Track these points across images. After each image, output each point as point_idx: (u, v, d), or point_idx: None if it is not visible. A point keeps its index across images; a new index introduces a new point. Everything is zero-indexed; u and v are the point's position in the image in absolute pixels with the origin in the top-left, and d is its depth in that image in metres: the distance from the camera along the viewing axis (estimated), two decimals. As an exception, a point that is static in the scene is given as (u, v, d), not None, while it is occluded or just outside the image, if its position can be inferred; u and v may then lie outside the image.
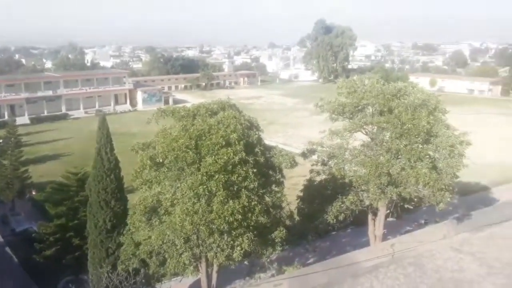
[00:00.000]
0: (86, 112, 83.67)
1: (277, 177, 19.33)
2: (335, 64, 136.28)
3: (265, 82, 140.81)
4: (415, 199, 20.21)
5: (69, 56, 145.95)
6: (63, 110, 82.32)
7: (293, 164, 18.46)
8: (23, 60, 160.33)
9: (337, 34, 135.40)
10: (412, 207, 23.68)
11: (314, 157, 23.13)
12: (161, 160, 16.75)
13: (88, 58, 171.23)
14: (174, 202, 16.38)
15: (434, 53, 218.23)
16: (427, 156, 18.50)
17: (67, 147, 56.75)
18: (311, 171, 23.77)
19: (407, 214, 25.55)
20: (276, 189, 18.77)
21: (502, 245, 14.98)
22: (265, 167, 18.43)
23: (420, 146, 18.55)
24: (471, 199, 36.09)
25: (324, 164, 22.70)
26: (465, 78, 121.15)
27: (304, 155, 22.99)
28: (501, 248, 14.62)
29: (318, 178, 23.82)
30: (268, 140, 21.85)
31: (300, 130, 66.55)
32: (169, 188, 16.87)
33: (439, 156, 18.81)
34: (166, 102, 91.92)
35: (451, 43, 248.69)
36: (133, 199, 21.76)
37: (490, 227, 16.91)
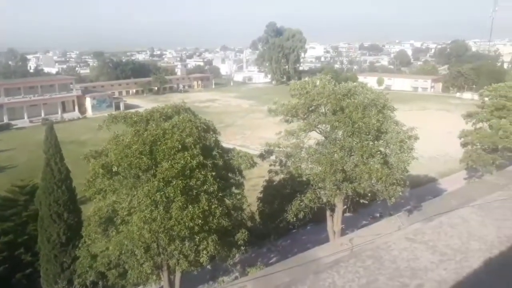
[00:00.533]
0: (31, 121, 78.93)
1: (237, 179, 19.34)
2: (287, 66, 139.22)
3: (219, 85, 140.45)
4: (369, 194, 20.92)
5: (9, 63, 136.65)
6: (5, 120, 77.17)
7: (252, 164, 18.54)
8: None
9: (288, 37, 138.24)
10: (367, 202, 24.55)
11: (272, 157, 23.33)
12: (114, 168, 16.14)
13: (31, 65, 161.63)
14: (131, 210, 15.86)
15: (379, 53, 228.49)
16: (379, 152, 19.16)
17: (11, 159, 53.12)
18: (270, 171, 23.96)
19: (363, 208, 26.47)
20: (236, 191, 18.75)
21: (451, 233, 15.97)
22: (224, 170, 18.38)
23: (371, 143, 19.16)
24: (421, 191, 38.10)
25: (282, 164, 22.97)
26: (409, 76, 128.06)
27: (262, 156, 23.13)
28: (450, 236, 15.59)
29: (276, 178, 24.06)
30: (225, 143, 21.82)
31: (257, 131, 67.01)
32: (125, 196, 16.30)
33: (389, 152, 19.56)
34: (117, 108, 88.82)
35: (395, 44, 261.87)
36: (87, 210, 20.76)
37: (439, 217, 17.95)
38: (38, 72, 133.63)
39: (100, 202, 17.01)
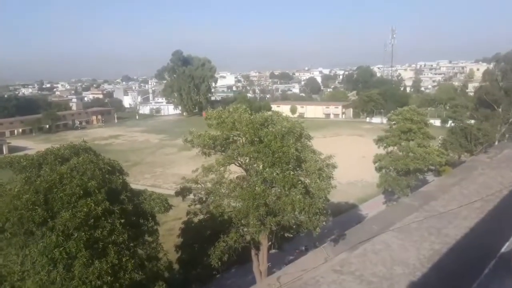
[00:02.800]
0: None
1: (150, 225, 18.72)
2: (198, 96, 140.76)
3: (123, 119, 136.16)
4: (294, 226, 21.59)
5: None
6: None
7: (167, 207, 18.09)
8: None
9: (197, 66, 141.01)
10: (291, 235, 25.24)
11: (190, 196, 23.01)
12: (0, 225, 14.52)
13: None
14: (24, 274, 14.33)
15: (290, 81, 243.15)
16: (300, 182, 20.04)
17: None
18: (188, 212, 23.63)
19: (288, 243, 27.13)
20: (150, 239, 18.15)
21: (375, 260, 17.20)
22: (135, 216, 17.70)
23: (292, 172, 19.97)
24: (343, 218, 40.40)
25: (201, 202, 22.75)
26: (321, 103, 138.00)
27: (178, 194, 22.71)
28: (375, 264, 16.77)
29: (196, 219, 23.78)
30: (134, 184, 21.02)
31: (170, 168, 65.97)
32: (15, 258, 14.74)
33: (309, 181, 20.62)
34: (0, 151, 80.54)
35: (304, 71, 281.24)
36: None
37: (363, 244, 19.21)
38: None
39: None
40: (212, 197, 22.02)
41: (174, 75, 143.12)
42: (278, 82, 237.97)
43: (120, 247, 15.43)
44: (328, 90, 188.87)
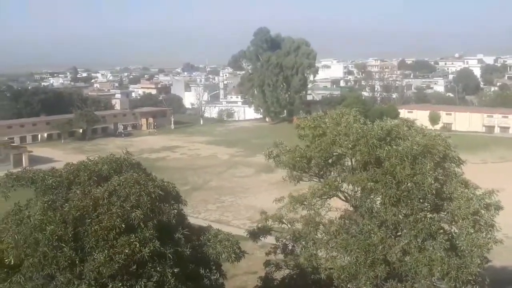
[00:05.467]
0: None
1: (213, 277, 18.99)
2: (288, 94, 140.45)
3: (182, 123, 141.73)
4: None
5: None
6: None
7: (238, 254, 18.32)
8: None
9: (289, 50, 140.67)
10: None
11: (271, 239, 23.30)
12: (12, 262, 15.81)
13: None
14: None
15: (431, 74, 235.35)
16: (441, 231, 19.26)
17: None
18: (267, 264, 23.75)
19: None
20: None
21: None
22: (193, 263, 18.12)
23: (429, 215, 19.29)
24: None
25: (286, 251, 22.77)
26: (480, 109, 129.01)
27: (253, 235, 23.05)
28: None
29: (278, 275, 23.74)
30: (194, 217, 21.68)
31: (243, 196, 66.97)
32: (30, 310, 15.74)
33: (458, 230, 19.74)
34: (18, 162, 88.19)
35: (454, 60, 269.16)
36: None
37: None
38: None
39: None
40: (303, 244, 21.88)
41: (257, 64, 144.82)
42: (412, 75, 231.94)
43: (170, 308, 15.83)
44: (492, 89, 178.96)
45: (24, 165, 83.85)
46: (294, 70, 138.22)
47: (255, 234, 24.05)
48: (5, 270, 16.34)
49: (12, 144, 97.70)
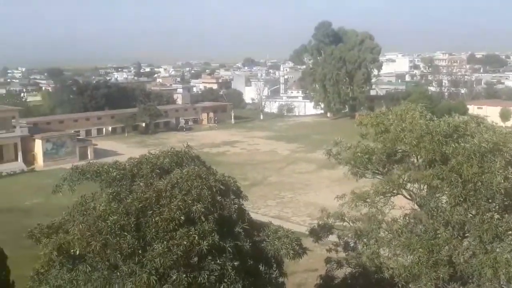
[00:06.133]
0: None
1: (273, 274, 19.05)
2: (350, 89, 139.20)
3: (242, 118, 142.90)
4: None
5: None
6: None
7: (299, 251, 18.32)
8: None
9: (353, 44, 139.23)
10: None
11: (333, 237, 23.20)
12: (78, 252, 16.39)
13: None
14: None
15: (502, 69, 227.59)
16: (510, 233, 18.80)
17: None
18: (328, 261, 23.66)
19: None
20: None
21: None
22: (253, 258, 18.23)
23: (497, 216, 18.85)
24: None
25: (347, 248, 22.67)
26: None
27: (314, 233, 22.97)
28: None
29: (340, 273, 23.66)
30: (253, 213, 21.88)
31: (303, 193, 67.07)
32: (94, 299, 16.29)
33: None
34: (83, 155, 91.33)
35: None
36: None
37: None
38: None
39: (55, 307, 17.03)
40: (365, 242, 21.69)
41: (318, 58, 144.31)
42: (481, 70, 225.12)
43: (230, 302, 16.01)
44: None
45: (89, 158, 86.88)
46: (357, 64, 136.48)
47: (315, 232, 24.03)
48: (71, 260, 16.94)
49: (78, 137, 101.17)
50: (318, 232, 23.62)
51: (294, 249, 18.18)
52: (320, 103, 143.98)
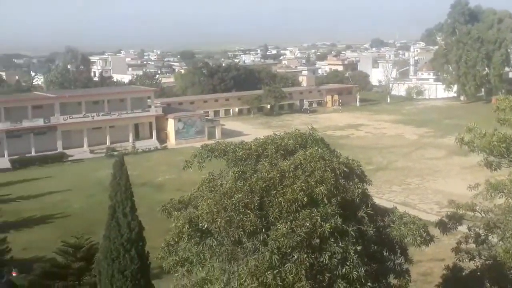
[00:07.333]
0: (92, 152, 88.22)
1: (397, 261, 18.79)
2: (486, 72, 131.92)
3: (367, 101, 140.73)
4: None
5: (69, 67, 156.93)
6: (59, 148, 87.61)
7: (425, 239, 17.82)
8: (3, 74, 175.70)
9: (491, 23, 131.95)
10: None
11: (462, 228, 22.35)
12: (205, 226, 17.14)
13: (95, 69, 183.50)
14: (228, 296, 16.54)
15: None
16: None
17: (63, 204, 60.20)
18: (457, 251, 23.01)
19: None
20: (396, 282, 18.24)
21: None
22: (376, 244, 18.09)
23: None
24: None
25: (478, 241, 21.91)
26: None
27: (442, 224, 22.33)
28: None
29: (469, 265, 22.96)
30: (377, 198, 21.64)
31: (431, 180, 65.15)
32: (219, 273, 17.05)
33: None
34: (212, 134, 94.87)
35: None
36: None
37: None
38: (105, 80, 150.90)
39: (183, 278, 18.06)
40: (499, 234, 20.71)
41: (452, 38, 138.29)
42: None
43: (351, 286, 15.98)
44: None
45: (217, 137, 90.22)
46: (496, 45, 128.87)
47: (442, 224, 23.33)
48: (199, 234, 17.77)
49: (207, 117, 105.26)
50: (446, 223, 22.89)
51: (421, 235, 17.70)
52: (452, 85, 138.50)
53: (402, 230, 17.85)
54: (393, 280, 18.54)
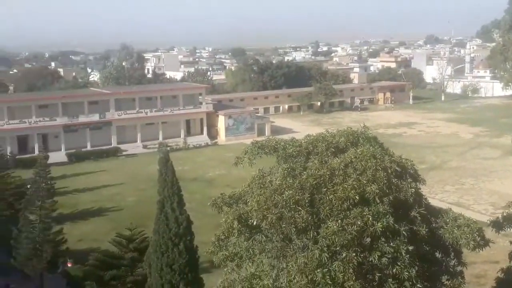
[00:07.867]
0: (145, 147, 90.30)
1: (451, 263, 18.50)
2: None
3: (421, 99, 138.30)
4: None
5: (124, 64, 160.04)
6: (114, 143, 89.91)
7: (480, 242, 17.36)
8: (61, 71, 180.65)
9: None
10: None
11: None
12: (255, 222, 17.22)
13: (149, 67, 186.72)
14: (276, 293, 16.57)
15: None
16: None
17: (117, 198, 61.66)
18: (512, 254, 22.28)
19: None
20: (450, 283, 17.89)
21: None
22: (429, 244, 17.78)
23: None
24: None
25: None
26: None
27: (497, 225, 21.78)
28: None
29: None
30: (430, 198, 21.18)
31: (486, 180, 63.57)
32: (268, 269, 17.11)
33: None
34: (261, 131, 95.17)
35: None
36: (211, 283, 22.33)
37: None
38: (158, 77, 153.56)
39: (232, 273, 18.21)
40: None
41: (510, 35, 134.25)
42: None
43: (403, 286, 15.83)
44: None
45: (266, 134, 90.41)
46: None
47: (497, 224, 22.70)
48: (249, 230, 17.89)
49: (257, 114, 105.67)
50: (502, 223, 22.24)
51: (475, 239, 17.27)
52: (510, 84, 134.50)
53: (455, 233, 17.47)
54: (446, 281, 18.18)
